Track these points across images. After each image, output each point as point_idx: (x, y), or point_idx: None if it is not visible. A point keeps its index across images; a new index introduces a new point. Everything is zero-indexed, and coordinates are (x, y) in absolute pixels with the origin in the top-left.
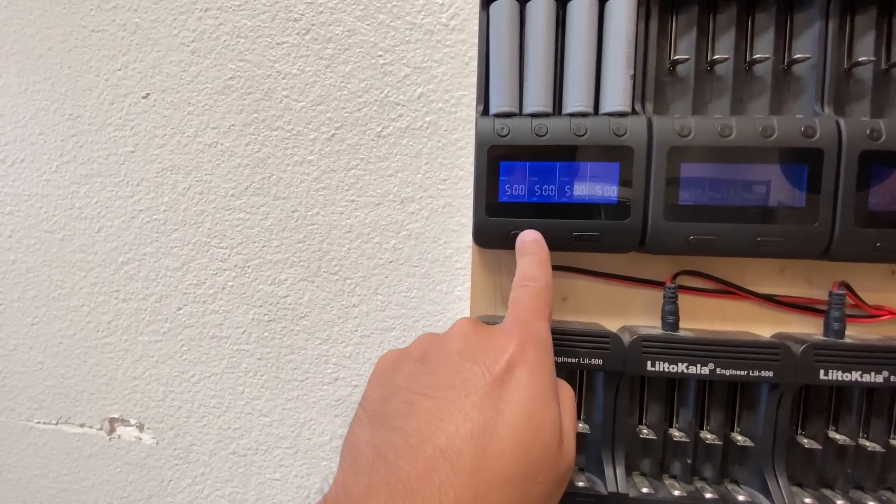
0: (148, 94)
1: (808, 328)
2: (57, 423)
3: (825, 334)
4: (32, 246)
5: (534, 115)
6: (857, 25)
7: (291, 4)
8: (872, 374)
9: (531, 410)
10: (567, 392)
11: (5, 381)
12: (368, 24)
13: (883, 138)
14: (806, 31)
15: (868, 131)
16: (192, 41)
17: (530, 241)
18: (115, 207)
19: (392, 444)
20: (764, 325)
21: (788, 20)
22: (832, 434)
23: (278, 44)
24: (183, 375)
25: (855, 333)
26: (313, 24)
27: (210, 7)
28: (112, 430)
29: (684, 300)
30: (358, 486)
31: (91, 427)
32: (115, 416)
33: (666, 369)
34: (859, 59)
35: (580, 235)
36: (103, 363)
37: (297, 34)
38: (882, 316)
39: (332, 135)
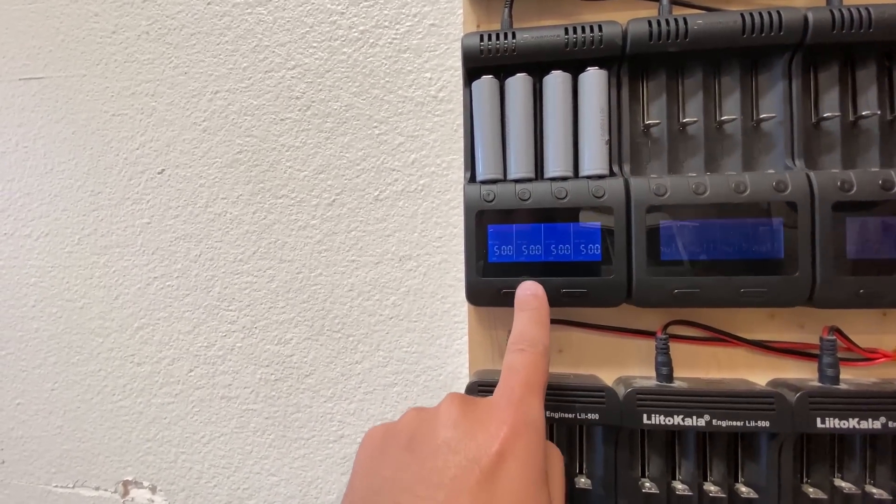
0: (163, 170)
1: (804, 373)
2: (73, 487)
3: (820, 380)
4: (54, 314)
5: (517, 181)
6: (821, 81)
7: (293, 84)
8: (870, 420)
9: None
10: (556, 461)
11: (25, 445)
12: (364, 99)
13: (854, 189)
14: (771, 90)
15: (839, 183)
16: (204, 120)
17: (530, 294)
18: (131, 275)
19: None
20: (759, 372)
21: (753, 81)
22: (838, 482)
23: (282, 120)
24: (194, 436)
25: (851, 377)
26: (313, 101)
27: (219, 90)
28: (126, 493)
29: (679, 349)
30: None
31: (106, 490)
32: (129, 478)
33: (662, 422)
34: (824, 116)
35: (568, 292)
36: (118, 426)
37: (299, 110)
38: (877, 359)
39: (333, 200)
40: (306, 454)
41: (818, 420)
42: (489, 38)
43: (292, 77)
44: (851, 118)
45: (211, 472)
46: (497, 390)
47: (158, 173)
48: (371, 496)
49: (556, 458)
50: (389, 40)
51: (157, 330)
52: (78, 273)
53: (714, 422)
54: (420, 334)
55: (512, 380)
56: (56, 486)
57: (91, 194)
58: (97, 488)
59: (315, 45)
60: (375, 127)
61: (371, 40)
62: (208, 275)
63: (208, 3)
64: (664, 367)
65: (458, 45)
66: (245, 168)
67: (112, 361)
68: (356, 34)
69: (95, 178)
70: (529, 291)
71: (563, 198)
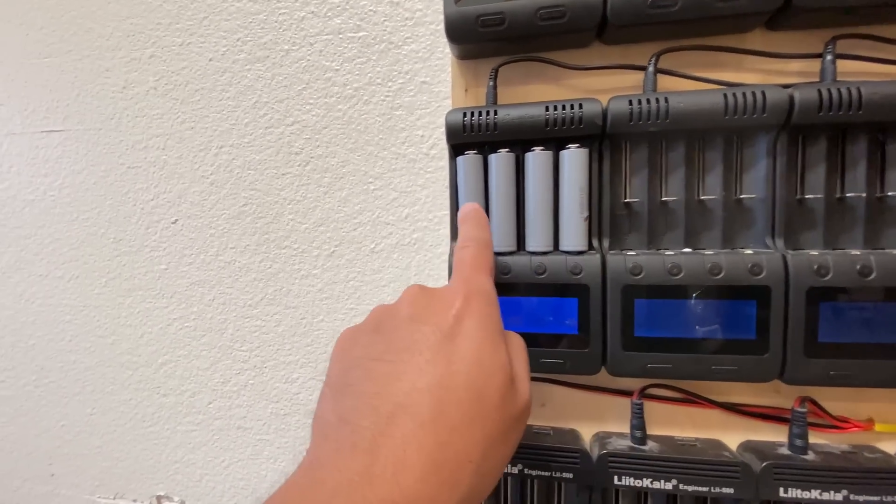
0: (176, 220)
1: (777, 435)
2: (114, 498)
3: (789, 448)
4: (88, 349)
5: (499, 254)
6: (808, 158)
7: (292, 140)
8: (832, 492)
9: (481, 357)
10: (516, 340)
11: (71, 461)
12: (359, 155)
13: (830, 275)
14: (755, 167)
15: (815, 267)
16: (211, 174)
17: (469, 208)
18: (153, 316)
19: (354, 409)
20: (733, 432)
21: (737, 157)
22: None
23: (283, 174)
24: (215, 460)
25: (824, 442)
26: (312, 157)
27: (224, 145)
28: None
29: (656, 408)
30: (326, 452)
31: (142, 502)
32: (161, 493)
33: (632, 483)
34: (807, 196)
35: (546, 362)
36: (149, 448)
37: (299, 165)
38: (848, 428)
39: (333, 251)
40: None
41: (781, 489)
42: (472, 115)
43: (291, 133)
44: (838, 195)
45: (231, 491)
46: (450, 279)
47: (172, 223)
48: (344, 374)
49: (517, 340)
50: (382, 97)
51: (179, 366)
52: (107, 313)
53: (681, 486)
54: None
55: (461, 266)
56: (99, 497)
57: (113, 241)
58: (135, 500)
59: (312, 101)
60: (370, 182)
61: (365, 97)
62: (221, 318)
63: (210, 60)
64: (637, 431)
65: (449, 102)
66: (251, 220)
67: (141, 392)
68: (350, 91)
69: (116, 226)
70: (468, 206)
71: (542, 273)
